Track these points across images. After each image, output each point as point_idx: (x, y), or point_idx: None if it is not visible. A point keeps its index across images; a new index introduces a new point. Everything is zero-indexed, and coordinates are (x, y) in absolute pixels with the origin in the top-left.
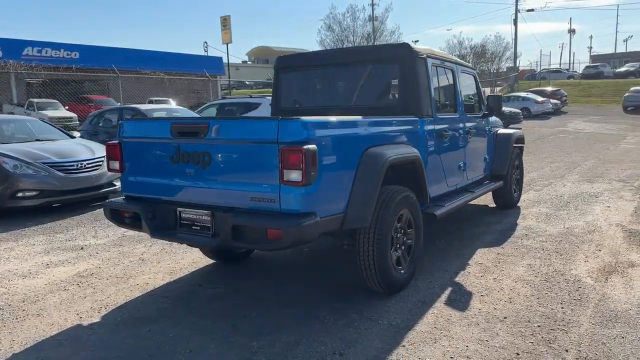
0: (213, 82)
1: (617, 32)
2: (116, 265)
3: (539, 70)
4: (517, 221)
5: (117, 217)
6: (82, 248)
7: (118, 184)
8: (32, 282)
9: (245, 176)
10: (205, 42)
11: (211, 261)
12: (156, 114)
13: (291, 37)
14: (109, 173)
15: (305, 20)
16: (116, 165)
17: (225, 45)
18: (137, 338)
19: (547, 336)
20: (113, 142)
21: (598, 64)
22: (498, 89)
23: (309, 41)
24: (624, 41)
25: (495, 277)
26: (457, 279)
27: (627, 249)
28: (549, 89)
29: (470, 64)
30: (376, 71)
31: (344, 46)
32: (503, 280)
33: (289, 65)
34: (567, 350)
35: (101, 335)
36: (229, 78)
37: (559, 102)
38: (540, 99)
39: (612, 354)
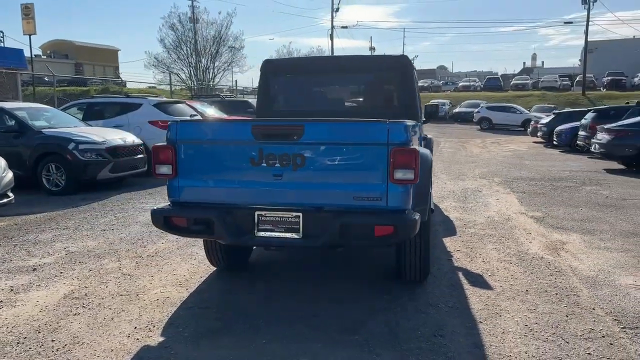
0: (10, 77)
1: (404, 51)
2: (104, 283)
3: None
4: (445, 214)
5: (179, 225)
6: (34, 269)
7: (12, 194)
8: (20, 310)
9: (347, 176)
10: (1, 32)
11: (205, 269)
12: (20, 114)
13: (94, 30)
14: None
15: (119, 15)
16: (167, 169)
17: (28, 36)
18: (230, 349)
19: (571, 300)
20: (163, 144)
21: None
22: None
23: (117, 36)
24: (412, 60)
25: (481, 259)
26: (455, 264)
27: (548, 231)
28: None
29: None
30: (376, 79)
31: (188, 46)
32: (490, 262)
33: (280, 69)
34: (593, 309)
35: (189, 351)
36: (32, 72)
37: None
38: None
39: (621, 306)
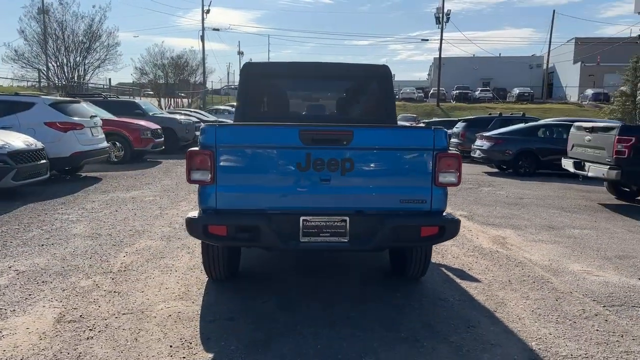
0: None
1: (269, 58)
2: (94, 303)
3: (222, 86)
4: None
5: (218, 233)
6: None
7: None
8: (14, 340)
9: (394, 180)
10: None
11: (195, 281)
12: None
13: None
14: None
15: None
16: (204, 175)
17: None
18: (295, 356)
19: (549, 287)
20: (200, 149)
21: None
22: (185, 101)
23: None
24: None
25: (450, 255)
26: (433, 261)
27: (484, 228)
28: None
29: None
30: (359, 87)
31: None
32: (459, 257)
33: (262, 73)
34: (572, 293)
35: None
36: None
37: None
38: None
39: (590, 289)
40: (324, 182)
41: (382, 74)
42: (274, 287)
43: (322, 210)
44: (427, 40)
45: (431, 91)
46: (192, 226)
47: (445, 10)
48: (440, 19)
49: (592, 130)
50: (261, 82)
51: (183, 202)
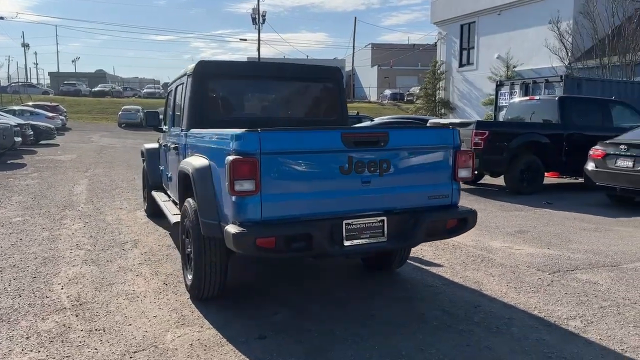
0: None
1: (58, 51)
2: (83, 347)
3: (9, 83)
4: None
5: (267, 246)
6: None
7: None
8: None
9: (423, 178)
10: None
11: (181, 305)
12: None
13: None
14: None
15: None
16: (250, 185)
17: None
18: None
19: (503, 262)
20: (244, 157)
21: (75, 81)
22: None
23: None
24: (73, 62)
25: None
26: None
27: None
28: (50, 103)
29: None
30: (314, 89)
31: None
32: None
33: (217, 73)
34: (520, 266)
35: None
36: None
37: (62, 118)
38: (50, 114)
39: (526, 261)
40: (365, 185)
41: (336, 75)
42: (269, 299)
43: (362, 212)
44: (246, 40)
45: None
46: (242, 241)
47: (261, 12)
48: (257, 20)
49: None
50: (217, 82)
51: (67, 220)
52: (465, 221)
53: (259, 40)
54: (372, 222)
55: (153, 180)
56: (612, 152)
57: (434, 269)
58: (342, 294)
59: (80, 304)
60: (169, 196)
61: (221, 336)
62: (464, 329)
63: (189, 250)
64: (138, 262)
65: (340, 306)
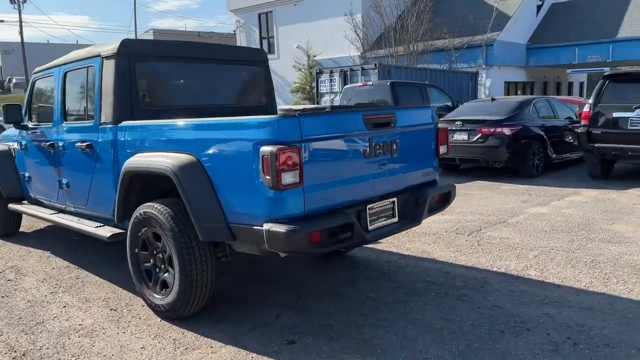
0: None
1: None
2: None
3: None
4: None
5: (314, 241)
6: None
7: None
8: None
9: (418, 156)
10: None
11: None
12: None
13: None
14: None
15: None
16: (294, 177)
17: None
18: (410, 340)
19: (446, 234)
20: (287, 145)
21: None
22: None
23: None
24: None
25: None
26: None
27: None
28: None
29: None
30: (245, 72)
31: None
32: None
33: (144, 54)
34: (460, 233)
35: None
36: None
37: None
38: None
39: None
40: (382, 167)
41: (264, 57)
42: (255, 302)
43: (379, 196)
44: (3, 21)
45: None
46: (296, 238)
47: None
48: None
49: None
50: (146, 65)
51: None
52: (450, 194)
53: (20, 21)
54: (386, 205)
55: (8, 191)
56: (450, 128)
57: (377, 246)
58: (326, 285)
59: (23, 355)
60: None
61: (246, 351)
62: (461, 295)
63: (148, 264)
64: (49, 292)
65: (333, 296)
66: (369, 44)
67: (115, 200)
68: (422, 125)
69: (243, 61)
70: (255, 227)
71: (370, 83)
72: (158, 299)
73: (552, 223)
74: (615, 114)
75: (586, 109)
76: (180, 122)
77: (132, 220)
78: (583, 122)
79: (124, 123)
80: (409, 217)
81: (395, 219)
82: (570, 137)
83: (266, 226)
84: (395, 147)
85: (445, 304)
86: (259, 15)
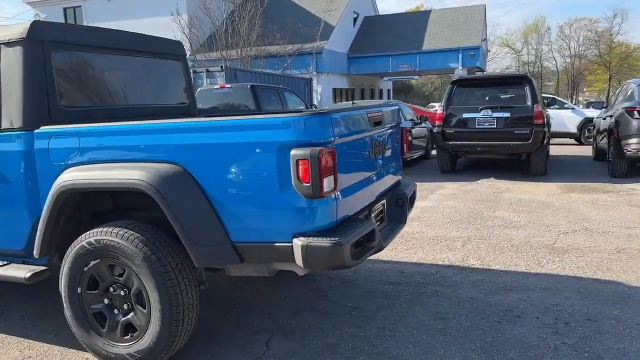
0: None
1: None
2: None
3: None
4: None
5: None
6: None
7: None
8: None
9: (393, 156)
10: None
11: None
12: None
13: None
14: None
15: None
16: (331, 183)
17: None
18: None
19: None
20: (325, 147)
21: None
22: None
23: None
24: None
25: None
26: None
27: None
28: None
29: None
30: (165, 66)
31: None
32: None
33: (60, 41)
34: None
35: None
36: None
37: None
38: None
39: None
40: (379, 168)
41: (182, 50)
42: (235, 329)
43: (377, 198)
44: None
45: None
46: (342, 252)
47: None
48: None
49: None
50: (63, 55)
51: None
52: (416, 193)
53: None
54: (379, 208)
55: None
56: None
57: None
58: (296, 302)
59: None
60: None
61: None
62: (433, 291)
63: (98, 306)
64: None
65: (313, 311)
66: (199, 45)
67: (32, 229)
68: (396, 125)
69: (165, 54)
70: (278, 244)
71: (229, 86)
72: (122, 347)
73: (446, 215)
74: (465, 115)
75: (439, 111)
76: (155, 123)
77: (71, 252)
78: (437, 122)
79: (45, 129)
80: (395, 219)
81: (386, 222)
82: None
83: (300, 241)
84: (384, 147)
85: (428, 303)
86: (65, 9)
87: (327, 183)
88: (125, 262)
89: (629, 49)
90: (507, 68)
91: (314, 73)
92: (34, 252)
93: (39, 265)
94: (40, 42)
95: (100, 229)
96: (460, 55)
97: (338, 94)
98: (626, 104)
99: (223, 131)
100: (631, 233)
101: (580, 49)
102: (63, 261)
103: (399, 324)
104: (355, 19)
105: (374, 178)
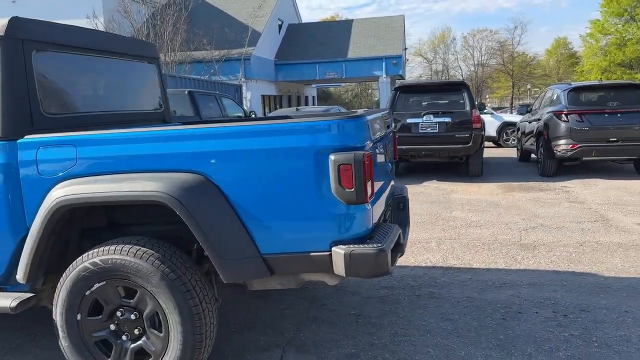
0: None
1: None
2: None
3: None
4: None
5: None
6: None
7: None
8: None
9: (392, 158)
10: None
11: None
12: None
13: None
14: None
15: None
16: (370, 187)
17: None
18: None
19: None
20: (365, 152)
21: None
22: None
23: None
24: None
25: None
26: None
27: None
28: None
29: None
30: (141, 70)
31: None
32: None
33: (42, 39)
34: None
35: None
36: None
37: None
38: None
39: None
40: (389, 171)
41: (155, 52)
42: (243, 344)
43: (386, 202)
44: None
45: None
46: (385, 259)
47: None
48: None
49: None
50: (44, 56)
51: None
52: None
53: None
54: (386, 212)
55: None
56: None
57: None
58: (295, 313)
59: None
60: None
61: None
62: (429, 293)
63: (101, 333)
64: None
65: (317, 322)
66: None
67: (14, 252)
68: (392, 129)
69: (142, 57)
70: (314, 254)
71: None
72: None
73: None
74: (408, 120)
75: None
76: (171, 130)
77: (69, 275)
78: None
79: (32, 137)
80: (400, 222)
81: None
82: None
83: (341, 250)
84: (389, 151)
85: (429, 305)
86: None
87: (369, 188)
88: (139, 283)
89: (528, 58)
90: (420, 77)
91: (243, 79)
92: (20, 277)
93: (20, 292)
94: (20, 41)
95: (106, 247)
96: (383, 64)
97: (267, 101)
98: (554, 108)
99: (252, 137)
100: (583, 227)
101: (482, 58)
102: (59, 285)
103: (409, 328)
104: (280, 26)
105: (387, 182)
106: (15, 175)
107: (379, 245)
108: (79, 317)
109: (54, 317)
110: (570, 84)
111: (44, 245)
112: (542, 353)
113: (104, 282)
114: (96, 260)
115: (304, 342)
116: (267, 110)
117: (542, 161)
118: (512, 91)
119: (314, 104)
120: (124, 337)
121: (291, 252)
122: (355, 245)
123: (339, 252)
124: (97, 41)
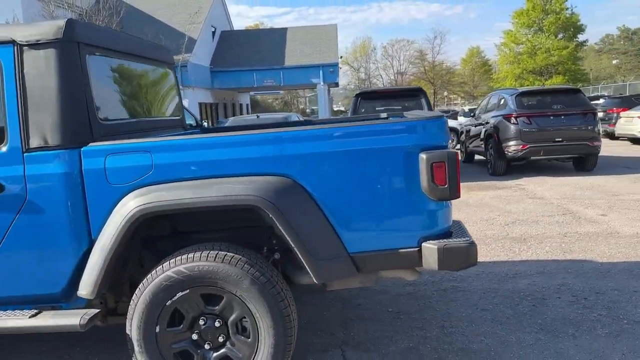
0: None
1: None
2: None
3: None
4: None
5: None
6: None
7: None
8: None
9: None
10: None
11: None
12: None
13: None
14: None
15: None
16: (459, 187)
17: None
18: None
19: None
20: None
21: None
22: None
23: None
24: None
25: None
26: None
27: None
28: None
29: None
30: (164, 76)
31: None
32: None
33: (98, 45)
34: None
35: None
36: None
37: None
38: None
39: None
40: None
41: (172, 58)
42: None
43: None
44: None
45: None
46: (474, 252)
47: None
48: None
49: None
50: (98, 61)
51: None
52: None
53: None
54: None
55: None
56: None
57: None
58: (332, 314)
59: None
60: None
61: None
62: (450, 287)
63: (181, 344)
64: None
65: (359, 321)
66: None
67: (77, 266)
68: None
69: (165, 63)
70: (403, 250)
71: None
72: None
73: None
74: None
75: None
76: (257, 134)
77: (148, 286)
78: None
79: (98, 145)
80: None
81: None
82: None
83: (433, 245)
84: None
85: (459, 298)
86: None
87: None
88: (227, 288)
89: (446, 67)
90: (348, 84)
91: (181, 87)
92: (86, 293)
93: (75, 308)
94: (76, 44)
95: (190, 255)
96: (321, 72)
97: (204, 108)
98: (503, 112)
99: (340, 139)
100: (557, 220)
101: (401, 67)
102: (134, 297)
103: (452, 320)
104: (213, 33)
105: None
106: (77, 185)
107: (469, 239)
108: (157, 329)
109: (127, 332)
110: (517, 89)
111: (117, 256)
112: (584, 333)
113: (188, 290)
114: (180, 268)
115: (358, 341)
116: (205, 118)
117: (492, 162)
118: (435, 98)
119: (247, 112)
120: (206, 346)
121: (379, 250)
122: (447, 240)
123: (431, 247)
124: (133, 46)
